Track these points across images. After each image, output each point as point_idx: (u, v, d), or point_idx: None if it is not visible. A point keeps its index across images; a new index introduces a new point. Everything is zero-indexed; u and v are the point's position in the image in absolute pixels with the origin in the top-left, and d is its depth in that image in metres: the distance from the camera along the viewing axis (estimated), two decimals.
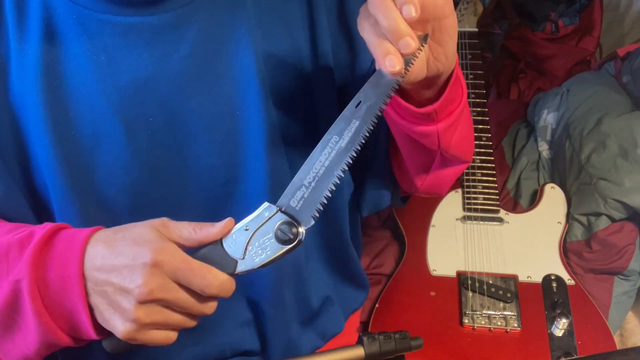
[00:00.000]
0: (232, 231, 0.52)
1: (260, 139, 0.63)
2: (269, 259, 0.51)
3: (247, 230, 0.52)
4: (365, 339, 0.59)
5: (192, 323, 0.53)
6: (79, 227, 0.60)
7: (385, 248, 1.20)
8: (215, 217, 0.53)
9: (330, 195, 0.52)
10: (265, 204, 0.52)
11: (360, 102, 0.53)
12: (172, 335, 0.53)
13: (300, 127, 0.68)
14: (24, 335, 0.53)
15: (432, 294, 1.06)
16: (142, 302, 0.49)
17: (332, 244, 0.78)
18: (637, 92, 1.27)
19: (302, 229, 0.52)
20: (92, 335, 0.52)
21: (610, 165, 1.16)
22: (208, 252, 0.52)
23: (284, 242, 0.51)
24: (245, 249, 0.51)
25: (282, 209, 0.52)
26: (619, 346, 1.08)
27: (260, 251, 0.51)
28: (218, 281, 0.50)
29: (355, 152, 0.52)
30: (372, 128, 0.53)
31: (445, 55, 0.54)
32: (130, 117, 0.59)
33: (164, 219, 0.53)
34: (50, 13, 0.57)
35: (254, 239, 0.51)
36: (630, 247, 1.14)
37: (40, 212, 0.63)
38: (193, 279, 0.50)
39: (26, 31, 0.58)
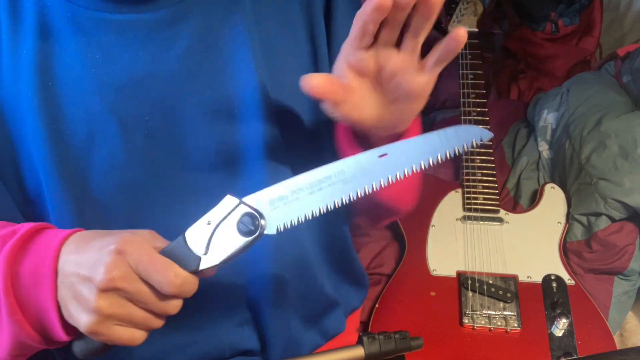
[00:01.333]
0: (195, 226, 0.50)
1: (259, 137, 0.63)
2: (231, 252, 0.49)
3: (209, 224, 0.50)
4: (365, 339, 0.59)
5: (157, 322, 0.51)
6: (75, 226, 0.60)
7: (385, 248, 1.19)
8: None
9: (302, 221, 0.51)
10: (227, 197, 0.50)
11: (386, 154, 0.51)
12: (138, 335, 0.50)
13: (299, 124, 0.68)
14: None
15: (432, 294, 1.06)
16: (103, 290, 0.47)
17: (332, 242, 0.78)
18: (637, 92, 1.26)
19: (264, 221, 0.50)
20: (61, 334, 0.51)
21: (610, 166, 1.16)
22: (172, 249, 0.50)
23: (245, 233, 0.49)
24: (208, 244, 0.49)
25: (243, 201, 0.50)
26: (619, 346, 1.08)
27: (223, 245, 0.49)
28: (179, 279, 0.48)
29: (349, 200, 0.52)
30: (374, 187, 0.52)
31: (402, 121, 0.55)
32: (126, 116, 0.59)
33: (152, 232, 0.52)
34: (45, 12, 0.57)
35: (216, 233, 0.50)
36: (630, 247, 1.14)
37: (33, 213, 0.62)
38: (153, 274, 0.48)
39: (20, 30, 0.57)
